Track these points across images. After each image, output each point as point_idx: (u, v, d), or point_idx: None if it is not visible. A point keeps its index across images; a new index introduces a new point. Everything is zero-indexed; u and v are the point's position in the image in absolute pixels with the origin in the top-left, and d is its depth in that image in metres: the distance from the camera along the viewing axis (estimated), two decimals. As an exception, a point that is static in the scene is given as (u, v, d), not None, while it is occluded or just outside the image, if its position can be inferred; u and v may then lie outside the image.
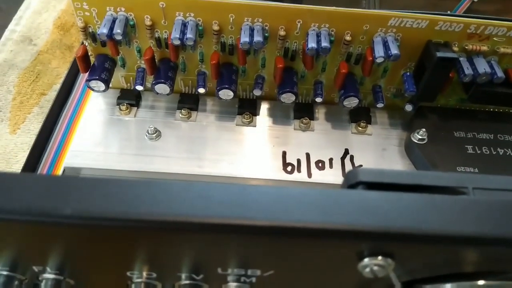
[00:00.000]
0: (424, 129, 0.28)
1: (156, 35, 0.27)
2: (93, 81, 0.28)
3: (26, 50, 0.41)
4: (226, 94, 0.28)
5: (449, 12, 0.35)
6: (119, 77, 0.30)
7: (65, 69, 0.39)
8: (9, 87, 0.37)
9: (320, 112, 0.31)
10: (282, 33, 0.27)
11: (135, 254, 0.16)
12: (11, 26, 0.43)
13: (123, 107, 0.30)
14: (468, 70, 0.27)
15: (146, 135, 0.29)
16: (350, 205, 0.14)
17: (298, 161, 0.28)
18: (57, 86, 0.37)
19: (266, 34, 0.27)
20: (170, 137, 0.29)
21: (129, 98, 0.30)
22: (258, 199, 0.14)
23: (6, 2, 0.47)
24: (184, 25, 0.26)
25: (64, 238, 0.15)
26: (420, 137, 0.28)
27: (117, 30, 0.25)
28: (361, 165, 0.28)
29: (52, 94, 0.37)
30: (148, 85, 0.30)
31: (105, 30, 0.25)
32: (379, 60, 0.26)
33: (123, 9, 0.26)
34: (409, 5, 0.46)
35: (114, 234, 0.14)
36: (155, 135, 0.29)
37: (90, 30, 0.27)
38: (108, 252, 0.16)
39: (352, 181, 0.16)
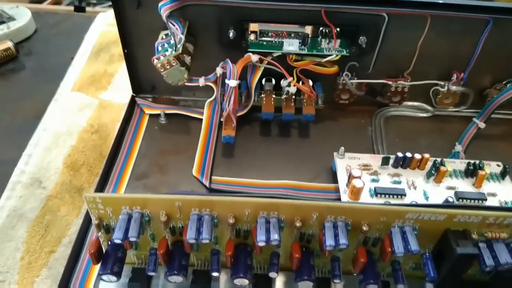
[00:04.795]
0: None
1: (171, 225, 0.27)
2: (105, 276, 0.27)
3: (35, 195, 0.40)
4: (241, 281, 0.28)
5: (467, 202, 0.35)
6: (130, 255, 0.30)
7: (74, 216, 0.39)
8: (17, 243, 0.36)
9: (338, 286, 0.30)
10: (298, 224, 0.26)
11: None
12: (20, 164, 0.43)
13: (135, 292, 0.29)
14: (489, 261, 0.26)
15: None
16: None
17: None
18: (66, 240, 0.37)
19: (282, 225, 0.27)
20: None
21: (141, 280, 0.29)
22: None
23: (17, 133, 0.47)
24: (199, 219, 0.26)
25: None
26: (444, 326, 0.27)
27: (132, 233, 0.25)
28: None
29: (60, 251, 0.36)
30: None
31: (120, 235, 0.25)
32: (399, 255, 0.26)
33: (138, 207, 0.26)
34: (415, 129, 0.47)
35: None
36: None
37: (104, 224, 0.27)
38: None
39: None
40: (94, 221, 0.27)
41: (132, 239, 0.25)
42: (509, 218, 0.26)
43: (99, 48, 0.58)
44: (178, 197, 0.25)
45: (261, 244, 0.26)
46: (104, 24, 0.61)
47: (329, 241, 0.25)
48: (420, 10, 0.39)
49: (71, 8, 0.75)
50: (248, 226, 0.27)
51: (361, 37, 0.41)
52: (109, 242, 0.28)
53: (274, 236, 0.25)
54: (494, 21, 0.39)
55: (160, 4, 0.38)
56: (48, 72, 0.55)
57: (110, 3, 0.40)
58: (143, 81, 0.46)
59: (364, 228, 0.26)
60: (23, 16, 0.59)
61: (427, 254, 0.28)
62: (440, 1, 0.39)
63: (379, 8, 0.39)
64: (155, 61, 0.38)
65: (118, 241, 0.25)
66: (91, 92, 0.51)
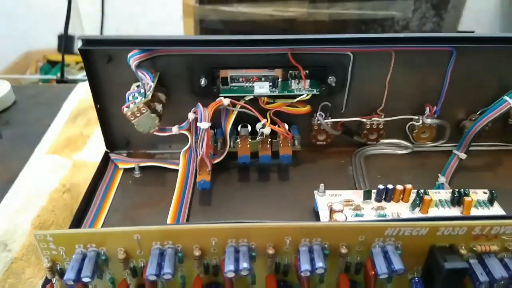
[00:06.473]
0: None
1: (131, 265, 0.25)
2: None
3: (-1, 258, 0.38)
4: (214, 325, 0.25)
5: (451, 215, 0.33)
6: (92, 307, 0.27)
7: (40, 278, 0.36)
8: (-28, 312, 0.33)
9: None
10: (271, 251, 0.24)
11: None
12: (-14, 229, 0.41)
13: None
14: (482, 277, 0.24)
15: None
16: None
17: None
18: (27, 305, 0.34)
19: (253, 254, 0.24)
20: None
21: (102, 334, 0.26)
22: None
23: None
24: (162, 254, 0.24)
25: None
26: None
27: (86, 273, 0.23)
28: None
29: (20, 317, 0.33)
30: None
31: (72, 275, 0.23)
32: (382, 277, 0.23)
33: (93, 245, 0.24)
34: (397, 166, 0.46)
35: None
36: None
37: (58, 267, 0.25)
38: None
39: None
40: (46, 264, 0.24)
41: (85, 280, 0.23)
42: (496, 226, 0.24)
43: (77, 114, 0.58)
44: (137, 229, 0.23)
45: (230, 275, 0.23)
46: (83, 92, 0.62)
47: (305, 266, 0.23)
48: (383, 46, 0.40)
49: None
50: (217, 260, 0.25)
51: (330, 77, 0.41)
52: (65, 290, 0.25)
53: (243, 264, 0.23)
54: (458, 51, 0.40)
55: (129, 55, 0.39)
56: (24, 139, 0.54)
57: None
58: (117, 137, 0.46)
59: (343, 251, 0.24)
60: (1, 89, 0.60)
61: (416, 278, 0.25)
62: (401, 35, 0.40)
63: (342, 46, 0.40)
64: (125, 109, 0.38)
65: (70, 282, 0.22)
66: (65, 154, 0.50)
